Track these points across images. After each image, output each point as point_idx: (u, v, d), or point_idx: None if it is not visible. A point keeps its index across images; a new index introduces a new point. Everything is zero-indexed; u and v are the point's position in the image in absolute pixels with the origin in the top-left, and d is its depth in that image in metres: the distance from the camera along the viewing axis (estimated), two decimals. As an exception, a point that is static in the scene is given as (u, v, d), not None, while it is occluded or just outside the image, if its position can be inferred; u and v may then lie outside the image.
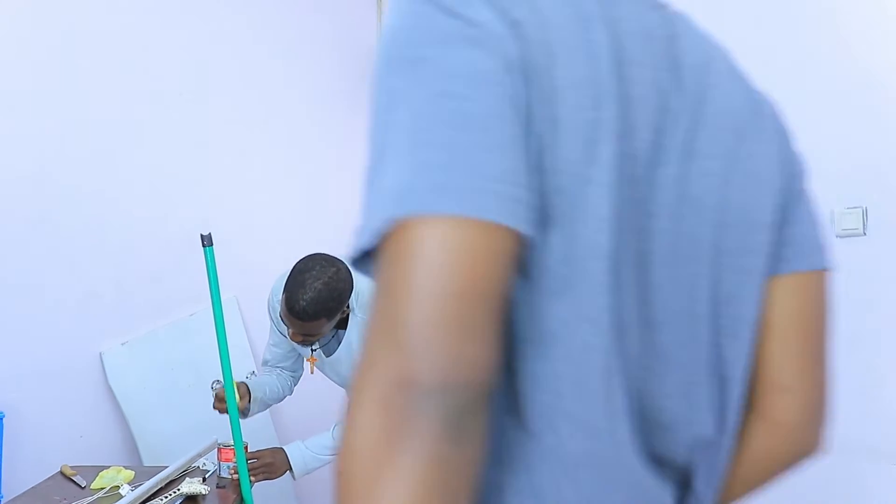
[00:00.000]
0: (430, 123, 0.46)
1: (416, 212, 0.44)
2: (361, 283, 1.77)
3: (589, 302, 0.51)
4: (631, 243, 0.53)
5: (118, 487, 1.70)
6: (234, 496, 1.70)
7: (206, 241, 1.64)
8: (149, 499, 1.63)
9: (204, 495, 1.67)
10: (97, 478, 1.76)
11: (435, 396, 0.42)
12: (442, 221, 0.43)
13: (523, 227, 0.46)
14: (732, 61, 0.75)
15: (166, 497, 1.64)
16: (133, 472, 1.79)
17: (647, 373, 0.56)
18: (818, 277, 0.73)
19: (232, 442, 1.73)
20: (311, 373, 2.00)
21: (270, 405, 2.10)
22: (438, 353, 0.42)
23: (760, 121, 0.69)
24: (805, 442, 0.80)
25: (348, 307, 1.80)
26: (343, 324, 1.86)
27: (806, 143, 1.97)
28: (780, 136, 0.72)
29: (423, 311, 0.42)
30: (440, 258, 0.43)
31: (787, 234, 0.68)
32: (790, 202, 0.68)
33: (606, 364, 0.51)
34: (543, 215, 0.49)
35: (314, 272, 1.68)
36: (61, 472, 1.85)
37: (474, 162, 0.45)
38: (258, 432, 2.51)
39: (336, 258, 1.74)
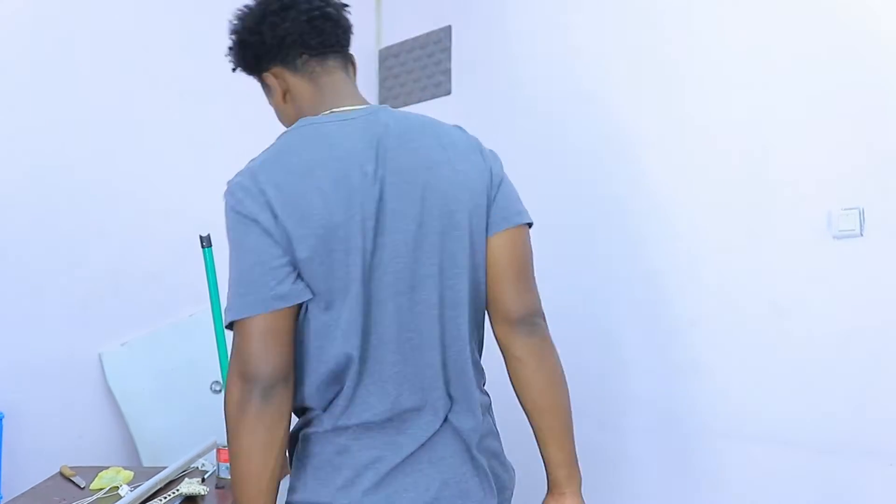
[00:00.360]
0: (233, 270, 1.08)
1: (235, 319, 1.06)
2: None
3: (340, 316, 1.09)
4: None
5: (117, 488, 1.70)
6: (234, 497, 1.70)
7: (206, 242, 1.65)
8: (148, 499, 1.63)
9: (203, 496, 1.67)
10: (96, 478, 1.76)
11: (257, 382, 1.04)
12: (245, 320, 1.04)
13: (282, 304, 1.05)
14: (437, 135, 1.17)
15: (165, 497, 1.64)
16: (132, 473, 1.80)
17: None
18: (517, 230, 1.17)
19: (231, 442, 1.72)
20: None
21: None
22: (257, 364, 1.04)
23: (457, 153, 1.15)
24: (526, 332, 1.19)
25: None
26: None
27: (803, 143, 1.99)
28: (471, 157, 1.16)
29: (249, 349, 1.04)
30: (250, 329, 1.04)
31: (493, 209, 1.16)
32: (493, 192, 1.16)
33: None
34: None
35: None
36: (60, 473, 1.85)
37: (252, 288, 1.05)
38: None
39: None
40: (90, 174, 2.26)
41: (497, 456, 1.22)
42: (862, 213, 1.76)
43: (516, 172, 2.40)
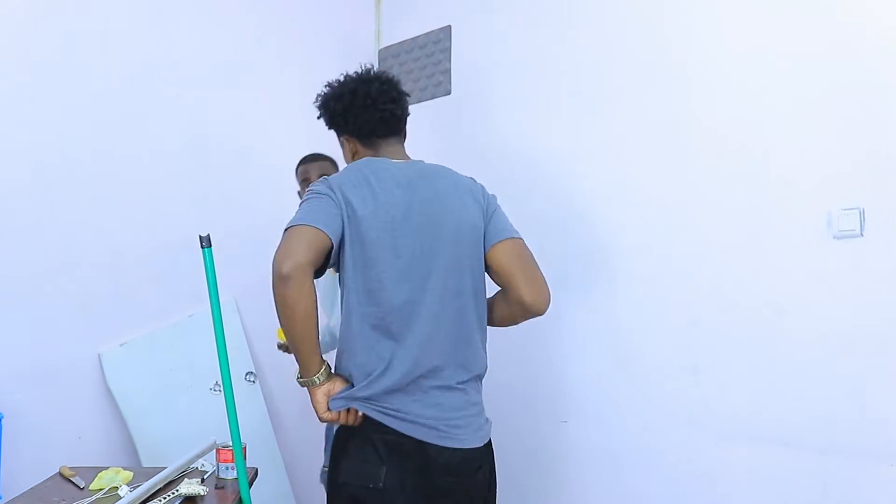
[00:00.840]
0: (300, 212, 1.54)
1: (295, 224, 1.51)
2: None
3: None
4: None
5: (117, 488, 1.70)
6: (233, 497, 1.70)
7: (205, 242, 1.65)
8: (147, 500, 1.63)
9: (203, 496, 1.67)
10: (96, 479, 1.76)
11: (294, 266, 1.44)
12: (302, 225, 1.50)
13: (326, 231, 1.50)
14: (451, 176, 1.69)
15: (165, 498, 1.64)
16: (132, 473, 1.79)
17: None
18: (510, 242, 1.64)
19: (230, 443, 1.73)
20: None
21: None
22: (296, 254, 1.45)
23: (462, 190, 1.65)
24: (536, 309, 1.63)
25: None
26: None
27: (803, 144, 1.99)
28: (472, 194, 1.66)
29: (288, 243, 1.47)
30: (301, 231, 1.49)
31: (489, 229, 1.64)
32: (488, 217, 1.65)
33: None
34: (341, 239, 1.54)
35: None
36: (60, 473, 1.85)
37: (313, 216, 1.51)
38: (257, 433, 2.51)
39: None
40: (90, 174, 2.26)
41: None
42: (862, 213, 1.76)
43: (517, 172, 2.41)
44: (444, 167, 1.70)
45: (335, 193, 1.55)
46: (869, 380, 1.75)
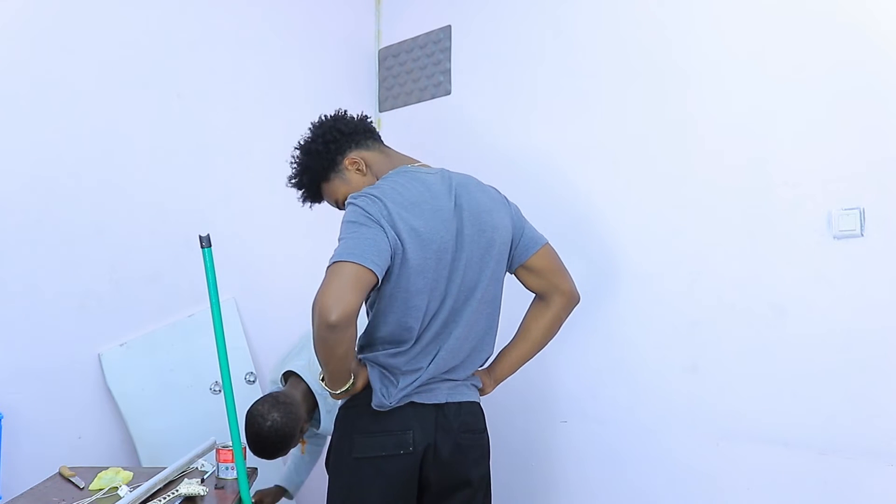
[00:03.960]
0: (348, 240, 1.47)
1: (343, 259, 1.42)
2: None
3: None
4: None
5: (117, 488, 1.70)
6: (233, 497, 1.70)
7: (205, 242, 1.65)
8: (147, 500, 1.63)
9: (202, 496, 1.67)
10: (96, 479, 1.76)
11: (343, 316, 1.37)
12: (352, 263, 1.41)
13: (375, 270, 1.43)
14: (480, 186, 1.72)
15: (165, 498, 1.64)
16: (131, 473, 1.80)
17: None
18: (544, 248, 1.75)
19: (230, 443, 1.73)
20: (303, 453, 2.26)
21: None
22: (343, 301, 1.37)
23: (498, 203, 1.71)
24: (578, 297, 1.79)
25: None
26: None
27: (803, 144, 1.99)
28: (506, 207, 1.72)
29: (337, 283, 1.40)
30: (351, 272, 1.41)
31: (522, 241, 1.72)
32: (518, 230, 1.72)
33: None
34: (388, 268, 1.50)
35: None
36: (60, 473, 1.85)
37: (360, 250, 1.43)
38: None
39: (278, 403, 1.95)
40: (89, 174, 2.26)
41: None
42: (862, 214, 1.76)
43: (517, 172, 2.41)
44: (470, 176, 1.72)
45: (384, 212, 1.50)
46: (869, 380, 1.75)
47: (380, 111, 3.00)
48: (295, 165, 1.77)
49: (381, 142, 1.78)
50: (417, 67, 2.85)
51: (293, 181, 1.78)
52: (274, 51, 2.74)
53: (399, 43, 2.93)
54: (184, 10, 2.49)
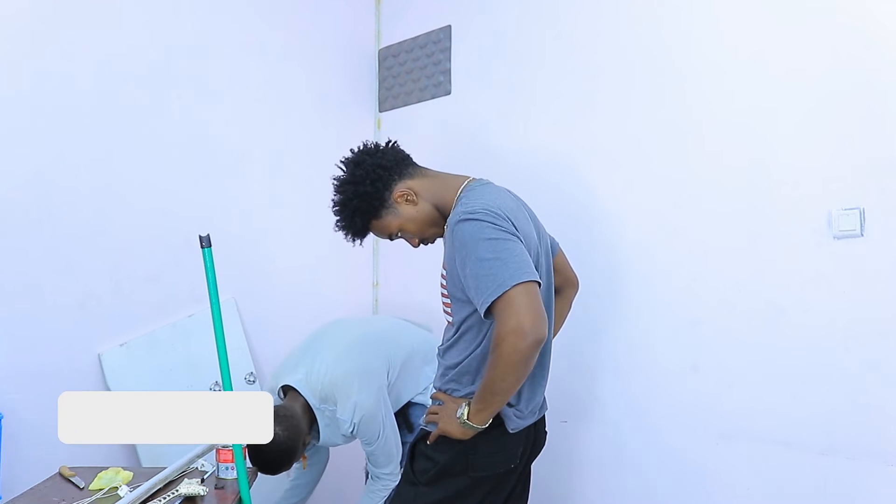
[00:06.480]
0: (500, 258, 1.45)
1: (528, 280, 1.43)
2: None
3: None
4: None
5: (117, 488, 1.70)
6: (233, 497, 1.70)
7: (205, 242, 1.65)
8: (147, 500, 1.63)
9: (202, 496, 1.67)
10: (96, 479, 1.76)
11: (532, 340, 1.39)
12: (535, 283, 1.45)
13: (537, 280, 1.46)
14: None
15: (165, 498, 1.64)
16: (132, 473, 1.80)
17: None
18: (561, 252, 1.88)
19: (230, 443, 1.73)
20: (304, 468, 2.30)
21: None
22: (543, 318, 1.41)
23: (533, 215, 1.75)
24: (576, 292, 1.94)
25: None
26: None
27: (803, 144, 1.99)
28: (534, 217, 1.74)
29: (536, 302, 1.42)
30: (535, 290, 1.44)
31: (551, 240, 1.80)
32: (544, 235, 1.74)
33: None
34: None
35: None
36: (60, 473, 1.85)
37: (530, 267, 1.46)
38: (257, 433, 2.51)
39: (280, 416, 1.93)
40: (89, 174, 2.25)
41: None
42: (862, 213, 1.76)
43: (517, 171, 2.41)
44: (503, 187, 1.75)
45: (507, 223, 1.51)
46: (869, 380, 1.75)
47: (380, 111, 3.00)
48: (343, 209, 1.71)
49: (416, 164, 1.74)
50: (417, 67, 2.85)
51: (342, 225, 1.72)
52: (274, 51, 2.74)
53: (399, 43, 2.93)
54: (183, 10, 2.49)
